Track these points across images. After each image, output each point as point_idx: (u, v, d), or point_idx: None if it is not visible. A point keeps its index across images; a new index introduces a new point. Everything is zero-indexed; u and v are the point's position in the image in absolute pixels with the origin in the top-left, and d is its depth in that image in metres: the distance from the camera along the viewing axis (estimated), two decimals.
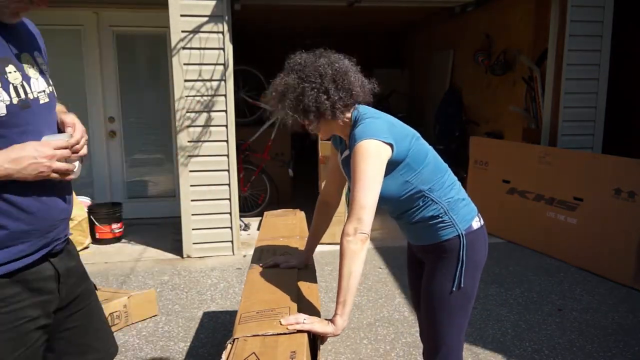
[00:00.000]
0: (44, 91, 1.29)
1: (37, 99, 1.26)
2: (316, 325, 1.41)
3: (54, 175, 1.20)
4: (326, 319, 1.47)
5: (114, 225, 4.66)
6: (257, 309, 1.51)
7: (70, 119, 1.35)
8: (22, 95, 1.21)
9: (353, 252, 1.44)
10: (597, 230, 3.80)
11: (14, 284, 1.20)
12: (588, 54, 4.50)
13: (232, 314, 3.10)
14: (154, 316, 3.15)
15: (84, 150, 1.29)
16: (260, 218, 4.61)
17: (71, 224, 4.32)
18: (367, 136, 1.50)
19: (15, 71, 1.21)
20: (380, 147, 1.50)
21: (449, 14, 6.70)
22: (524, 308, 3.24)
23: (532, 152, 4.42)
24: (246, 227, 5.02)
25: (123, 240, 4.73)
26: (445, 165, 1.72)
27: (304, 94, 1.55)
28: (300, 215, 2.62)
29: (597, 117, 4.62)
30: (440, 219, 1.63)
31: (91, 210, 4.65)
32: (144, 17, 5.06)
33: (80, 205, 4.53)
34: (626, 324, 3.01)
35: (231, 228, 4.30)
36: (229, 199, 4.27)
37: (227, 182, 4.24)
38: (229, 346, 1.32)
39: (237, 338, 1.34)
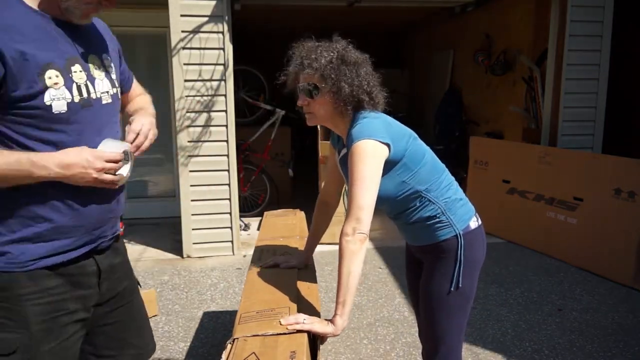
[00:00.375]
0: (107, 92, 1.33)
1: (99, 99, 1.30)
2: (316, 325, 1.42)
3: (101, 185, 1.24)
4: (326, 319, 1.47)
5: None
6: (257, 309, 1.51)
7: (139, 124, 1.36)
8: (85, 95, 1.25)
9: (352, 252, 1.45)
10: (597, 230, 3.80)
11: (57, 276, 1.24)
12: (588, 54, 4.50)
13: (232, 314, 3.11)
14: (154, 316, 3.15)
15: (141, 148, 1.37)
16: (260, 218, 4.61)
17: None
18: (364, 136, 1.49)
19: (80, 71, 1.25)
20: (377, 147, 1.49)
21: (449, 14, 6.70)
22: (524, 308, 3.24)
23: (532, 152, 4.42)
24: (246, 227, 5.02)
25: (123, 240, 4.73)
26: (443, 165, 1.72)
27: (363, 74, 1.58)
28: (300, 215, 2.61)
29: (597, 117, 4.62)
30: (437, 219, 1.62)
31: None
32: (144, 17, 5.06)
33: None
34: (626, 324, 3.01)
35: (231, 228, 4.30)
36: (229, 199, 4.27)
37: (227, 182, 4.24)
38: (228, 346, 1.32)
39: (237, 338, 1.34)
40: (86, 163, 1.18)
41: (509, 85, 5.69)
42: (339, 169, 1.79)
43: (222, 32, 4.04)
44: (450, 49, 7.16)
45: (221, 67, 4.09)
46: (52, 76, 1.17)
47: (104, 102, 1.32)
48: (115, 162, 1.25)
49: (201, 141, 4.16)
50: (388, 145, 1.52)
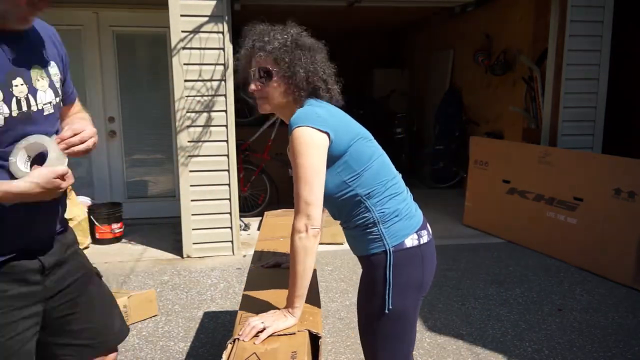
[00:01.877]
0: (50, 102, 1.31)
1: (41, 110, 1.28)
2: (278, 324, 1.37)
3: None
4: (282, 311, 1.43)
5: (114, 226, 4.66)
6: (257, 309, 1.51)
7: (81, 126, 1.30)
8: (25, 108, 1.23)
9: (306, 248, 1.40)
10: (597, 230, 3.80)
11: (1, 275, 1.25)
12: (588, 54, 4.50)
13: (232, 314, 3.11)
14: (154, 316, 3.15)
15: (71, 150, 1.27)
16: (260, 218, 4.61)
17: (71, 224, 4.31)
18: (301, 122, 1.39)
19: (22, 84, 1.23)
20: (315, 135, 1.39)
21: (449, 14, 6.71)
22: (524, 308, 3.24)
23: (532, 152, 4.42)
24: (246, 227, 5.02)
25: (123, 240, 4.73)
26: (395, 173, 1.58)
27: (317, 60, 1.48)
28: None
29: (597, 117, 4.62)
30: (369, 230, 1.50)
31: (91, 210, 4.65)
32: (144, 17, 5.06)
33: (80, 205, 4.53)
34: (626, 324, 3.01)
35: (231, 228, 4.30)
36: (229, 199, 4.27)
37: (227, 182, 4.24)
38: (229, 346, 1.32)
39: (238, 338, 1.34)
40: (47, 186, 1.19)
41: (509, 85, 5.70)
42: None
43: (222, 32, 4.04)
44: (450, 49, 7.16)
45: (221, 67, 4.09)
46: None
47: (45, 112, 1.29)
48: (64, 174, 1.23)
49: (201, 141, 4.16)
50: (327, 134, 1.41)
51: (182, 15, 3.98)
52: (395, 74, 8.78)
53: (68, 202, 4.46)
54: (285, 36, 1.48)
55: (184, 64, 4.04)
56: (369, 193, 1.49)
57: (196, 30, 4.01)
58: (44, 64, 1.29)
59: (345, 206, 1.52)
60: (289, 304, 1.42)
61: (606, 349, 2.73)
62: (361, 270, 1.60)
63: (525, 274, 3.80)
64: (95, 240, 4.63)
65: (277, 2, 5.06)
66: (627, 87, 5.01)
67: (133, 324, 3.05)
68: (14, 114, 1.20)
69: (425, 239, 1.55)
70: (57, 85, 1.33)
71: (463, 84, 6.86)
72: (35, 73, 1.26)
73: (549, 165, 4.23)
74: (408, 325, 1.54)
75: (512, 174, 4.60)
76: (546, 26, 4.72)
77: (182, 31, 3.99)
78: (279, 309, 1.47)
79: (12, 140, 1.21)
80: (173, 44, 4.01)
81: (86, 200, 4.88)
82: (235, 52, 1.54)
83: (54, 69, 1.33)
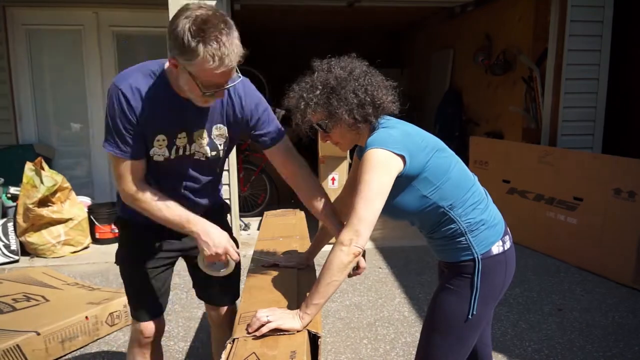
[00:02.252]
0: (202, 153, 1.65)
1: (192, 154, 1.64)
2: (284, 322, 1.35)
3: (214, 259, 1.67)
4: (294, 312, 1.40)
5: (114, 225, 4.66)
6: (256, 309, 1.51)
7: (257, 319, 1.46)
8: (180, 153, 1.61)
9: (342, 263, 1.37)
10: (597, 230, 3.80)
11: (148, 229, 1.68)
12: (588, 53, 4.50)
13: None
14: None
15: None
16: (260, 218, 4.61)
17: (71, 223, 4.33)
18: (377, 145, 1.40)
19: (184, 137, 1.59)
20: (389, 158, 1.39)
21: (449, 14, 6.71)
22: (524, 308, 3.24)
23: (532, 152, 4.42)
24: (246, 227, 5.02)
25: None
26: (473, 180, 1.59)
27: (358, 87, 1.47)
28: (300, 215, 2.61)
29: (597, 117, 4.62)
30: (457, 240, 1.52)
31: (91, 210, 4.65)
32: (144, 17, 5.06)
33: (80, 205, 4.53)
34: (626, 324, 3.01)
35: (231, 228, 4.29)
36: (229, 199, 4.26)
37: (227, 182, 4.24)
38: (228, 346, 1.32)
39: (237, 338, 1.34)
40: (217, 242, 1.61)
41: (509, 85, 5.70)
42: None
43: None
44: (450, 49, 7.16)
45: None
46: (160, 139, 1.57)
47: (195, 157, 1.65)
48: (225, 256, 1.65)
49: None
50: (403, 157, 1.41)
51: None
52: (395, 74, 8.78)
53: (68, 202, 4.47)
54: (319, 85, 1.49)
55: None
56: (451, 204, 1.50)
57: None
58: (209, 127, 1.62)
59: (429, 219, 1.54)
60: (303, 308, 1.38)
61: (606, 349, 2.73)
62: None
63: (525, 274, 3.80)
64: (95, 240, 4.63)
65: (277, 2, 5.06)
66: (627, 87, 5.01)
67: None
68: (172, 156, 1.60)
69: (508, 244, 1.58)
70: (217, 142, 1.65)
71: (463, 84, 6.86)
72: (198, 133, 1.60)
73: (549, 165, 4.22)
74: (478, 330, 1.56)
75: (512, 173, 4.60)
76: (546, 26, 4.72)
77: None
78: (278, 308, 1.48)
79: (175, 173, 1.65)
80: None
81: (86, 200, 4.88)
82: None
83: (219, 130, 1.64)
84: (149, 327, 1.80)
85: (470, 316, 1.50)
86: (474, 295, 1.49)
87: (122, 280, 1.86)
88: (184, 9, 1.36)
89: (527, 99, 5.31)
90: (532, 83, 5.16)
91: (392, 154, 1.40)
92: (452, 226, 1.51)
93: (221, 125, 1.64)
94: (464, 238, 1.51)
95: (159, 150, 1.58)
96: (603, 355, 2.68)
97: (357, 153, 1.73)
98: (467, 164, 5.14)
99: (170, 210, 1.57)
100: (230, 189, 4.25)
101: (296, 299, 1.58)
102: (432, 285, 3.58)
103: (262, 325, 1.33)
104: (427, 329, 1.59)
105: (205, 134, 1.61)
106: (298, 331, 1.36)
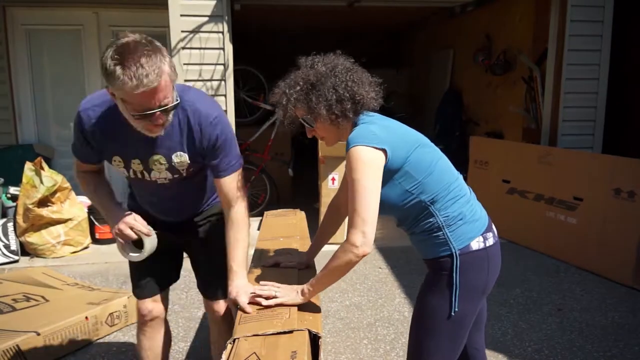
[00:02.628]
0: (164, 178, 1.74)
1: (154, 181, 1.75)
2: (288, 297, 1.52)
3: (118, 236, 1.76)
4: (297, 287, 1.55)
5: None
6: (257, 309, 1.51)
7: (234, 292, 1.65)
8: (140, 176, 1.74)
9: (350, 263, 1.45)
10: (597, 230, 3.80)
11: (146, 218, 1.80)
12: (588, 53, 4.50)
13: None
14: None
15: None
16: (260, 218, 4.61)
17: (71, 224, 4.32)
18: (358, 142, 1.42)
19: (139, 163, 1.69)
20: (371, 154, 1.42)
21: (449, 14, 6.71)
22: (524, 308, 3.24)
23: (532, 152, 4.42)
24: None
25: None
26: (456, 175, 1.60)
27: (338, 83, 1.49)
28: (301, 215, 2.61)
29: (597, 117, 4.62)
30: (434, 234, 1.52)
31: (91, 210, 4.64)
32: (144, 17, 5.06)
33: (80, 205, 4.53)
34: (626, 324, 3.01)
35: None
36: None
37: None
38: (229, 346, 1.32)
39: (238, 338, 1.34)
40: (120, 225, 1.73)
41: (509, 85, 5.70)
42: None
43: (222, 32, 4.04)
44: (450, 49, 7.16)
45: (221, 67, 4.09)
46: (116, 160, 1.72)
47: (159, 182, 1.75)
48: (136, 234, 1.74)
49: None
50: (384, 150, 1.44)
51: (182, 15, 3.98)
52: (395, 74, 8.78)
53: (68, 202, 4.47)
54: (300, 82, 1.52)
55: (184, 64, 4.04)
56: (432, 198, 1.50)
57: (196, 30, 4.01)
58: (167, 154, 1.67)
59: (410, 213, 1.55)
60: (306, 288, 1.52)
61: (606, 349, 2.73)
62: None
63: (525, 274, 3.80)
64: (95, 240, 4.63)
65: (277, 2, 5.06)
66: (627, 87, 5.01)
67: (133, 324, 3.05)
68: (131, 175, 1.74)
69: (490, 241, 1.59)
70: (179, 168, 1.71)
71: (463, 83, 6.86)
72: (154, 160, 1.68)
73: (549, 165, 4.22)
74: (465, 327, 1.55)
75: (512, 173, 4.60)
76: (546, 26, 4.72)
77: (182, 31, 4.00)
78: (278, 309, 1.48)
79: (147, 189, 1.82)
80: (173, 44, 4.01)
81: (86, 200, 4.88)
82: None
83: (179, 156, 1.68)
84: (143, 305, 1.98)
85: (452, 313, 1.49)
86: (454, 292, 1.49)
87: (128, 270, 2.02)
88: (113, 40, 1.46)
89: (527, 99, 5.31)
90: (532, 83, 5.16)
91: (373, 149, 1.42)
92: (430, 220, 1.52)
93: (181, 153, 1.68)
94: (441, 232, 1.51)
95: (118, 169, 1.74)
96: (603, 355, 2.68)
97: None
98: (467, 163, 5.18)
99: (98, 199, 1.85)
100: None
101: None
102: None
103: (269, 298, 1.50)
104: (414, 328, 1.61)
105: (164, 160, 1.68)
106: (297, 305, 1.51)
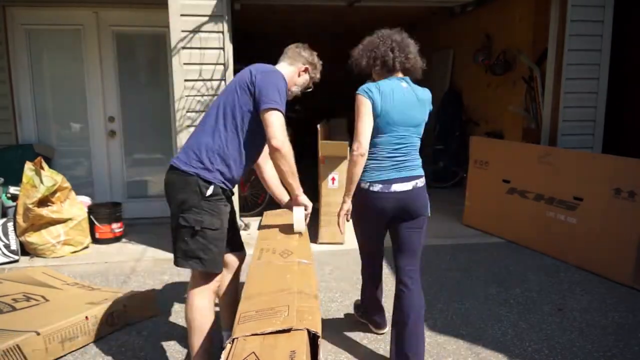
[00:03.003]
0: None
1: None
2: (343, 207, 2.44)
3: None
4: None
5: (114, 225, 4.66)
6: (256, 309, 1.51)
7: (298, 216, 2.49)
8: None
9: (351, 161, 2.33)
10: (597, 230, 3.80)
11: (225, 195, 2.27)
12: (588, 53, 4.50)
13: None
14: (154, 316, 3.15)
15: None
16: (260, 218, 4.61)
17: (71, 223, 4.32)
18: (358, 91, 2.34)
19: None
20: (362, 99, 2.31)
21: (449, 14, 6.71)
22: (524, 308, 3.24)
23: (532, 152, 4.42)
24: (246, 227, 5.01)
25: (123, 240, 4.73)
26: (399, 133, 2.36)
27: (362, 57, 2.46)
28: None
29: (597, 117, 4.62)
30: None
31: (91, 210, 4.65)
32: (144, 16, 5.06)
33: (80, 205, 4.53)
34: (626, 324, 3.01)
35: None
36: None
37: None
38: (228, 346, 1.32)
39: (237, 337, 1.34)
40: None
41: (509, 85, 5.70)
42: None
43: (222, 32, 4.05)
44: (450, 49, 7.16)
45: (221, 67, 4.09)
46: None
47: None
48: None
49: None
50: (371, 99, 2.29)
51: (182, 15, 3.98)
52: None
53: (68, 202, 4.46)
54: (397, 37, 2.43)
55: (184, 64, 4.04)
56: (375, 142, 2.38)
57: (196, 30, 4.01)
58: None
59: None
60: (346, 193, 2.42)
61: (606, 349, 2.73)
62: (360, 269, 2.56)
63: (525, 274, 3.80)
64: (95, 240, 4.63)
65: (277, 2, 5.06)
66: (627, 87, 5.01)
67: (133, 323, 3.05)
68: None
69: (374, 188, 2.36)
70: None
71: (463, 84, 6.86)
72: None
73: (549, 165, 4.22)
74: (365, 230, 2.60)
75: (512, 173, 4.60)
76: (546, 26, 4.72)
77: (182, 31, 3.99)
78: (277, 308, 1.48)
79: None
80: (173, 43, 4.01)
81: (86, 200, 4.88)
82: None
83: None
84: (220, 276, 2.34)
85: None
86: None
87: (193, 246, 2.19)
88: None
89: (527, 98, 5.31)
90: (532, 83, 5.16)
91: (364, 97, 2.32)
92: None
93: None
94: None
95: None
96: (603, 355, 2.68)
97: (369, 95, 2.41)
98: (467, 163, 5.19)
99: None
100: None
101: (296, 298, 1.58)
102: (432, 285, 3.58)
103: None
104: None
105: None
106: (295, 325, 1.43)
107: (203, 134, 2.23)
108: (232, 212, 2.39)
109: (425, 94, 2.45)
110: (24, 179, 4.10)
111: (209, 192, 2.15)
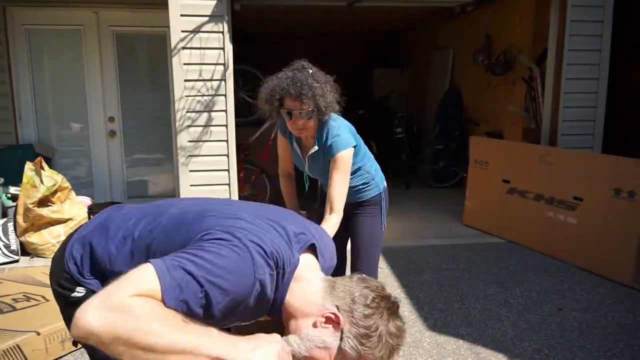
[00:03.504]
0: None
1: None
2: None
3: None
4: None
5: None
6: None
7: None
8: None
9: (335, 225, 2.07)
10: (597, 230, 3.80)
11: None
12: (588, 53, 4.50)
13: None
14: None
15: None
16: None
17: (71, 223, 4.32)
18: (344, 147, 2.10)
19: None
20: (351, 153, 2.15)
21: (449, 14, 6.71)
22: (524, 308, 3.24)
23: (532, 152, 4.42)
24: None
25: None
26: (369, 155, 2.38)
27: (326, 89, 2.02)
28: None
29: (597, 117, 4.61)
30: (367, 183, 2.34)
31: (91, 210, 4.64)
32: (144, 17, 5.06)
33: (80, 205, 4.53)
34: (626, 324, 3.01)
35: None
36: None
37: (227, 182, 4.24)
38: None
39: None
40: None
41: (509, 85, 5.70)
42: (290, 152, 2.37)
43: (222, 32, 4.05)
44: (450, 49, 7.16)
45: (221, 67, 4.09)
46: None
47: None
48: None
49: (201, 141, 4.16)
50: (355, 146, 2.16)
51: (182, 15, 3.98)
52: (395, 74, 8.78)
53: (68, 202, 4.47)
54: (319, 83, 2.08)
55: (184, 64, 4.04)
56: (363, 162, 2.33)
57: (196, 30, 4.01)
58: None
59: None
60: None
61: (606, 349, 2.73)
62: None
63: (525, 274, 3.80)
64: None
65: (277, 2, 5.06)
66: (627, 87, 5.01)
67: None
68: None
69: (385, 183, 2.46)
70: None
71: (463, 84, 6.86)
72: None
73: (549, 165, 4.22)
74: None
75: (512, 173, 4.60)
76: (546, 26, 4.72)
77: (182, 31, 3.99)
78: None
79: None
80: (173, 43, 4.01)
81: (86, 200, 4.88)
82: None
83: None
84: None
85: (383, 228, 2.42)
86: (382, 214, 2.41)
87: None
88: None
89: (527, 98, 5.31)
90: (532, 83, 5.16)
91: (351, 149, 2.14)
92: (365, 176, 2.33)
93: None
94: (374, 182, 2.36)
95: None
96: (603, 355, 2.68)
97: (282, 132, 2.35)
98: (467, 163, 5.18)
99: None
100: (230, 188, 4.25)
101: None
102: (432, 285, 3.58)
103: None
104: (368, 245, 2.43)
105: None
106: None
107: None
108: None
109: None
110: (24, 179, 4.10)
111: None
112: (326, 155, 2.13)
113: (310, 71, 2.02)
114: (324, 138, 2.11)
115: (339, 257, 1.87)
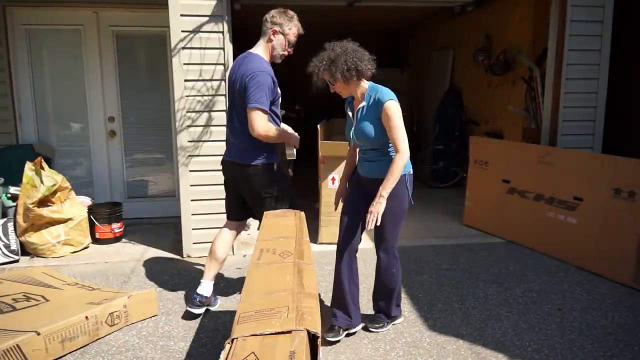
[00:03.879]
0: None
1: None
2: (381, 207, 2.54)
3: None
4: (378, 199, 2.54)
5: (114, 225, 4.67)
6: (256, 309, 1.51)
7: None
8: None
9: (405, 162, 2.56)
10: (597, 230, 3.80)
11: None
12: (588, 53, 4.50)
13: (232, 314, 3.10)
14: (154, 316, 3.15)
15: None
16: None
17: (71, 223, 4.33)
18: (390, 97, 2.57)
19: None
20: (398, 104, 2.59)
21: (449, 14, 6.71)
22: (524, 308, 3.24)
23: (532, 152, 4.42)
24: (246, 227, 5.02)
25: (123, 240, 4.73)
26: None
27: (348, 59, 2.50)
28: (300, 215, 2.61)
29: (597, 117, 4.61)
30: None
31: (91, 210, 4.65)
32: (144, 17, 5.06)
33: (80, 205, 4.53)
34: (626, 324, 3.01)
35: None
36: None
37: None
38: (227, 346, 1.32)
39: (236, 338, 1.34)
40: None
41: (509, 85, 5.70)
42: (347, 123, 2.82)
43: (222, 32, 4.05)
44: (450, 49, 7.16)
45: (221, 67, 4.09)
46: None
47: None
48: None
49: (201, 141, 4.16)
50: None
51: (182, 15, 3.98)
52: (395, 73, 8.78)
53: (68, 202, 4.47)
54: (325, 59, 2.55)
55: (184, 64, 4.04)
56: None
57: (196, 30, 4.01)
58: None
59: (386, 143, 2.67)
60: (384, 193, 2.54)
61: (606, 349, 2.73)
62: (361, 271, 2.09)
63: (525, 274, 3.80)
64: (96, 240, 4.63)
65: (277, 2, 5.06)
66: (627, 87, 5.01)
67: (133, 323, 3.05)
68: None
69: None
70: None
71: (463, 84, 6.86)
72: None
73: (549, 165, 4.22)
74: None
75: (512, 173, 4.60)
76: (546, 26, 4.72)
77: (182, 31, 3.99)
78: (277, 308, 1.48)
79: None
80: (173, 43, 4.01)
81: (86, 200, 4.88)
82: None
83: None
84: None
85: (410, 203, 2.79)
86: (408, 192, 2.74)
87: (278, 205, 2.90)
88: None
89: (527, 98, 5.31)
90: (532, 83, 5.16)
91: (397, 101, 2.59)
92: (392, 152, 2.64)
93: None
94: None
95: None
96: (603, 355, 2.68)
97: (347, 106, 2.82)
98: (467, 163, 5.18)
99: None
100: None
101: (295, 298, 1.58)
102: (432, 285, 3.58)
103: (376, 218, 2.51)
104: (389, 221, 2.70)
105: None
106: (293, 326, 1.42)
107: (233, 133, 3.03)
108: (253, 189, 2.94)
109: None
110: (24, 179, 4.10)
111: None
112: (377, 108, 2.57)
113: (327, 48, 2.58)
114: (371, 95, 2.62)
115: (361, 223, 2.76)
